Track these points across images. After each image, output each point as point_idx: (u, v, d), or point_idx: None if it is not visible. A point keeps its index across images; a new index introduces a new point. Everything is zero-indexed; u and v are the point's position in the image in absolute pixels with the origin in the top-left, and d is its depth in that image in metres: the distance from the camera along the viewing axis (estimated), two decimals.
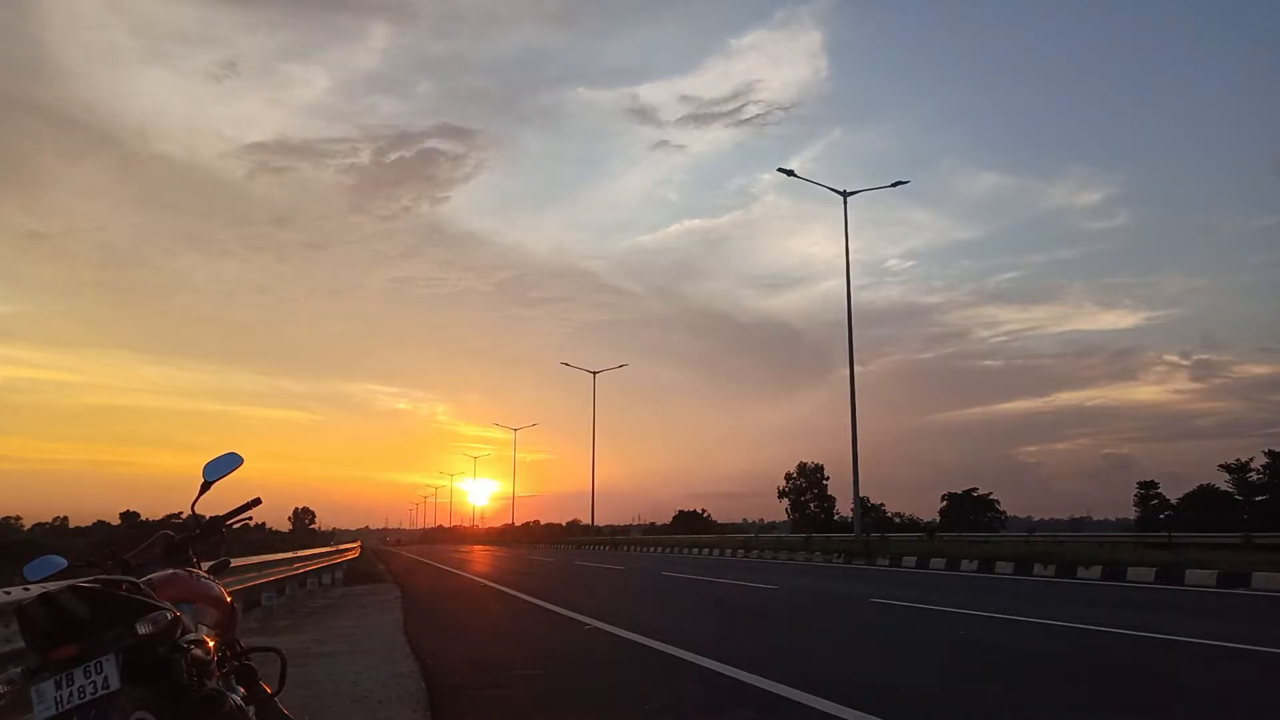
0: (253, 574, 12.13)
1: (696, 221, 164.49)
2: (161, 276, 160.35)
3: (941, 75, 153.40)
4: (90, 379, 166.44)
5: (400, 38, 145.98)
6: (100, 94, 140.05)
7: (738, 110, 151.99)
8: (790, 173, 30.56)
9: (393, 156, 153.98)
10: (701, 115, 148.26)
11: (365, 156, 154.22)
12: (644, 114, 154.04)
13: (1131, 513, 57.70)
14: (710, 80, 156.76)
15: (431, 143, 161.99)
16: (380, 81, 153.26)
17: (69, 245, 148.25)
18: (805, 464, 77.98)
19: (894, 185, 30.84)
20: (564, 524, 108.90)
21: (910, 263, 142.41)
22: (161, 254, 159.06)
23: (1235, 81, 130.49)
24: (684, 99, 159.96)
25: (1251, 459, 50.86)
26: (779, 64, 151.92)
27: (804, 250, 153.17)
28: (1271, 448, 49.93)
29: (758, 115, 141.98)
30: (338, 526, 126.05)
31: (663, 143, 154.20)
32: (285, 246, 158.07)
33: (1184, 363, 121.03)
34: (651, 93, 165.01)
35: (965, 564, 19.18)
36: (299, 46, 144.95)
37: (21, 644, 3.69)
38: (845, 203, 30.26)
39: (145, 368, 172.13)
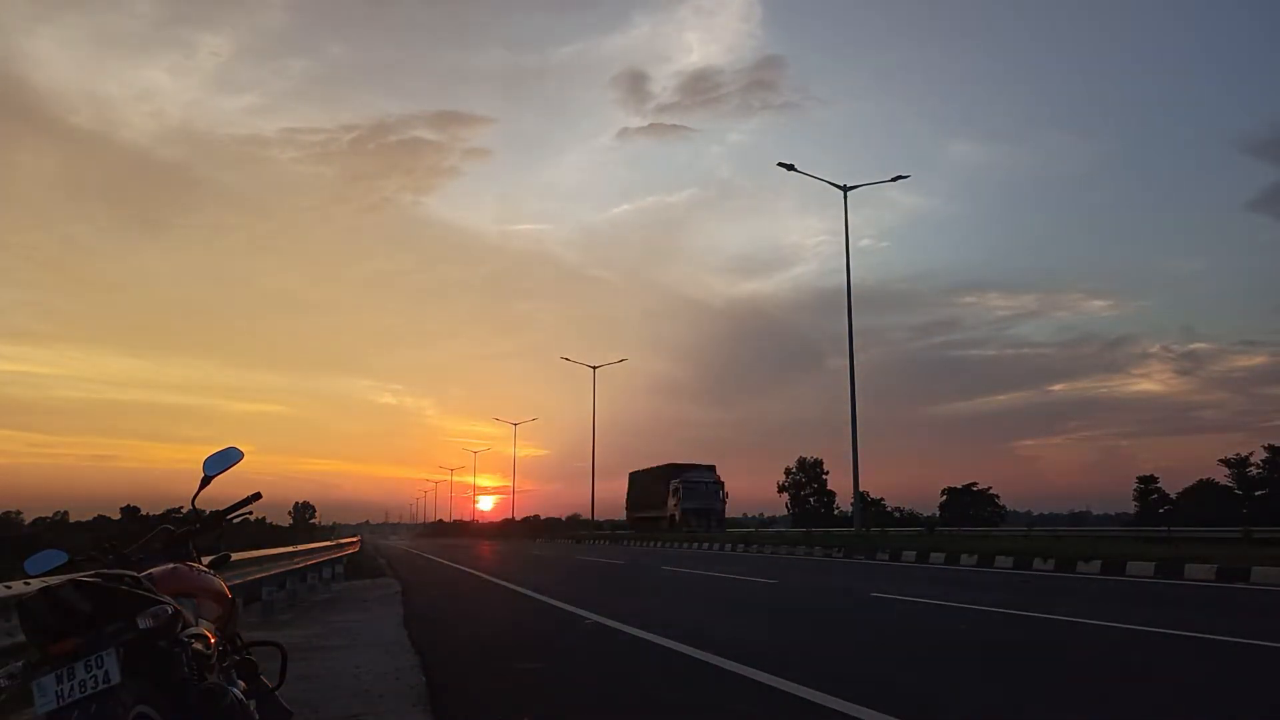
0: (253, 568, 12.13)
1: (661, 202, 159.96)
2: (124, 269, 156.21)
3: (896, 39, 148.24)
4: (63, 371, 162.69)
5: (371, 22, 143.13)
6: (47, 75, 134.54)
7: (688, 82, 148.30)
8: (790, 167, 30.48)
9: (372, 145, 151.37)
10: (654, 92, 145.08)
11: (345, 144, 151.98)
12: (597, 93, 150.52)
13: (1131, 507, 57.86)
14: (647, 46, 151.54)
15: (413, 132, 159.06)
16: (361, 69, 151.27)
17: (26, 237, 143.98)
18: (805, 459, 78.24)
19: (894, 180, 30.79)
20: (564, 518, 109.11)
21: (884, 244, 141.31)
22: (122, 245, 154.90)
23: (1204, 59, 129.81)
24: (638, 73, 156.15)
25: (1251, 454, 50.99)
26: (720, 29, 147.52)
27: (768, 232, 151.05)
28: (1271, 442, 50.04)
29: (703, 83, 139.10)
30: (338, 521, 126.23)
31: (624, 128, 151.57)
32: (260, 237, 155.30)
33: (1174, 353, 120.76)
34: (598, 69, 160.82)
35: (965, 559, 19.20)
36: (286, 39, 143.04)
37: (22, 638, 3.69)
38: (845, 198, 30.21)
39: (118, 361, 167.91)
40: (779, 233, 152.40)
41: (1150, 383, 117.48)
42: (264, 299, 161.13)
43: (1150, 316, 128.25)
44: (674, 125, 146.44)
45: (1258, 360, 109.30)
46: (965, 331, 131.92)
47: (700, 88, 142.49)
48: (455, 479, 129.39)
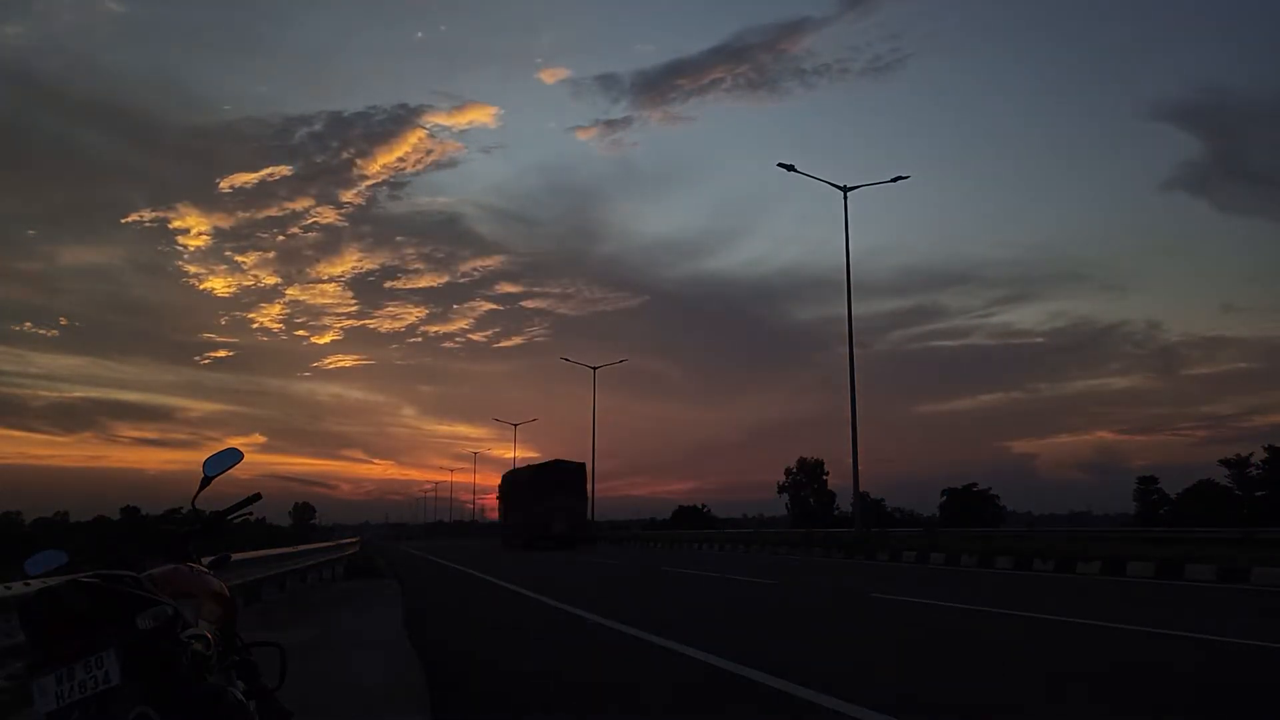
0: (253, 569, 12.16)
1: (643, 192, 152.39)
2: (61, 264, 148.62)
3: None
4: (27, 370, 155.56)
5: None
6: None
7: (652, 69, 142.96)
8: (790, 167, 30.46)
9: (335, 141, 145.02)
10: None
11: (303, 137, 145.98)
12: (568, 79, 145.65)
13: (1131, 508, 57.84)
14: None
15: (377, 126, 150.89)
16: (337, 59, 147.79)
17: None
18: (805, 459, 78.05)
19: (893, 180, 30.76)
20: None
21: (863, 229, 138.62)
22: (46, 239, 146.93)
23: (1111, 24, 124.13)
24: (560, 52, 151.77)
25: (1251, 454, 50.94)
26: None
27: (746, 218, 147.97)
28: (1271, 442, 50.00)
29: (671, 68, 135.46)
30: (338, 522, 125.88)
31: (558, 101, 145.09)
32: (219, 233, 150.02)
33: (1144, 350, 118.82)
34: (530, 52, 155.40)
35: (965, 559, 19.21)
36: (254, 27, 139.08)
37: (23, 638, 3.69)
38: (845, 199, 30.19)
39: (71, 360, 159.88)
40: (757, 219, 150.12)
41: (1129, 380, 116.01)
42: (233, 299, 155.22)
43: (1122, 309, 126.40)
44: (646, 113, 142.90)
45: (1222, 361, 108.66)
46: (951, 321, 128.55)
47: (668, 73, 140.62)
48: (454, 479, 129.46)
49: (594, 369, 58.71)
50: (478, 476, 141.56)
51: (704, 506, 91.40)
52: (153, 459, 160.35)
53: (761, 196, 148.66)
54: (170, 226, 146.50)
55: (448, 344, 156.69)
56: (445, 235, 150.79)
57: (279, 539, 47.18)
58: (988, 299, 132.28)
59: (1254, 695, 5.47)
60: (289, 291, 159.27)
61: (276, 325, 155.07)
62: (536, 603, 12.56)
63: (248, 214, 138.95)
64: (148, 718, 2.29)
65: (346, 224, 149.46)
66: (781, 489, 78.49)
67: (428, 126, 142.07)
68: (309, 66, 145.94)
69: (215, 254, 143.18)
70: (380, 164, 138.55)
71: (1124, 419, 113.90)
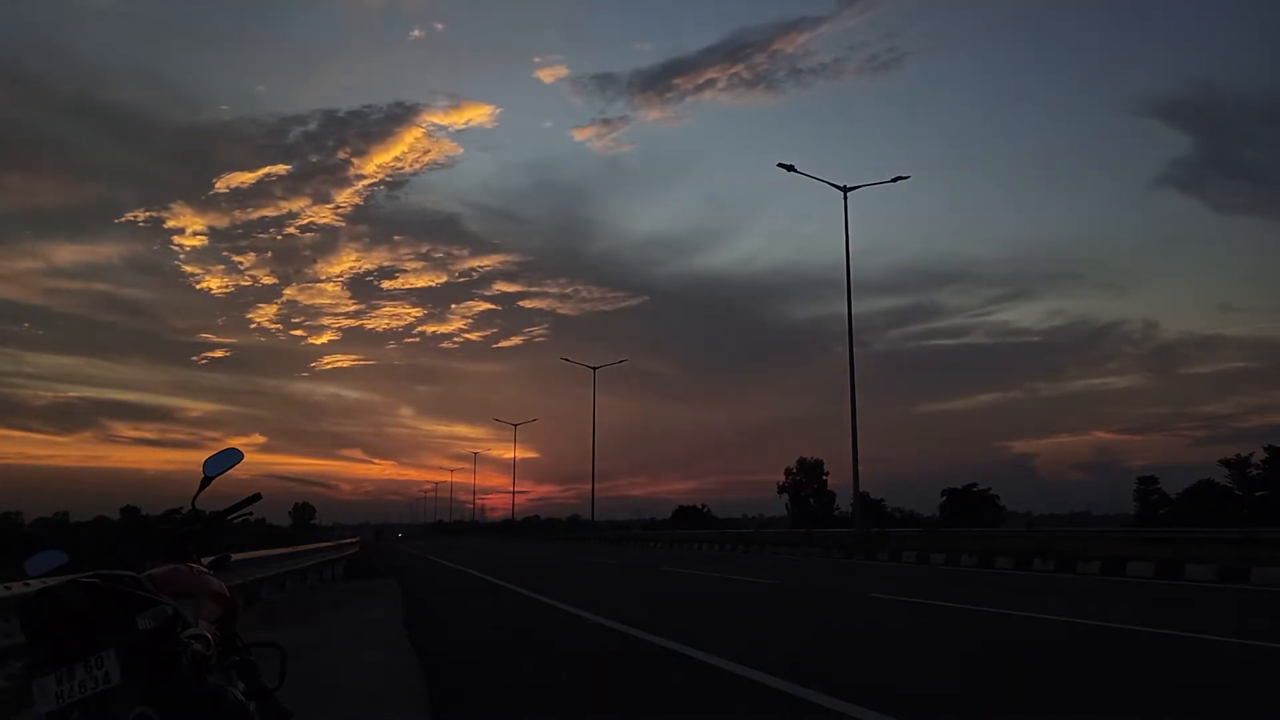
0: (253, 569, 12.16)
1: (632, 187, 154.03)
2: (47, 263, 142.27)
3: None
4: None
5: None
6: None
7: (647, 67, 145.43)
8: (790, 168, 30.44)
9: (331, 140, 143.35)
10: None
11: (297, 137, 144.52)
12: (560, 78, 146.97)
13: (1131, 508, 57.89)
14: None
15: (369, 124, 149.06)
16: (333, 58, 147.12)
17: None
18: (805, 459, 78.17)
19: (894, 180, 30.75)
20: (565, 520, 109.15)
21: (859, 227, 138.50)
22: (41, 239, 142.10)
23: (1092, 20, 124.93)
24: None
25: (1251, 454, 50.98)
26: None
27: (741, 215, 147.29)
28: (1271, 442, 50.02)
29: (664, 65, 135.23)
30: (338, 522, 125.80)
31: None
32: (214, 235, 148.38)
33: (1141, 350, 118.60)
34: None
35: (965, 559, 19.20)
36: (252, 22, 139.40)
37: (22, 638, 3.69)
38: (845, 199, 30.19)
39: (60, 360, 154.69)
40: (754, 217, 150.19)
41: (1128, 379, 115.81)
42: (230, 299, 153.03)
43: (1120, 308, 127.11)
44: (643, 112, 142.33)
45: (1220, 361, 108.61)
46: (949, 320, 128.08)
47: (666, 72, 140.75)
48: (454, 479, 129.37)
49: (594, 369, 58.78)
50: (478, 477, 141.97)
51: (704, 507, 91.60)
52: (152, 459, 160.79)
53: (759, 195, 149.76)
54: (165, 226, 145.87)
55: (445, 344, 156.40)
56: (443, 235, 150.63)
57: (279, 539, 47.22)
58: (985, 297, 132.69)
59: (1254, 695, 5.48)
60: (286, 291, 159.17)
61: (274, 325, 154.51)
62: (536, 603, 12.56)
63: (244, 214, 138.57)
64: (148, 718, 2.29)
65: (343, 224, 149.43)
66: (781, 489, 78.63)
67: (424, 125, 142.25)
68: (305, 65, 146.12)
69: (211, 254, 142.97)
70: (376, 163, 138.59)
71: (1123, 419, 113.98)
